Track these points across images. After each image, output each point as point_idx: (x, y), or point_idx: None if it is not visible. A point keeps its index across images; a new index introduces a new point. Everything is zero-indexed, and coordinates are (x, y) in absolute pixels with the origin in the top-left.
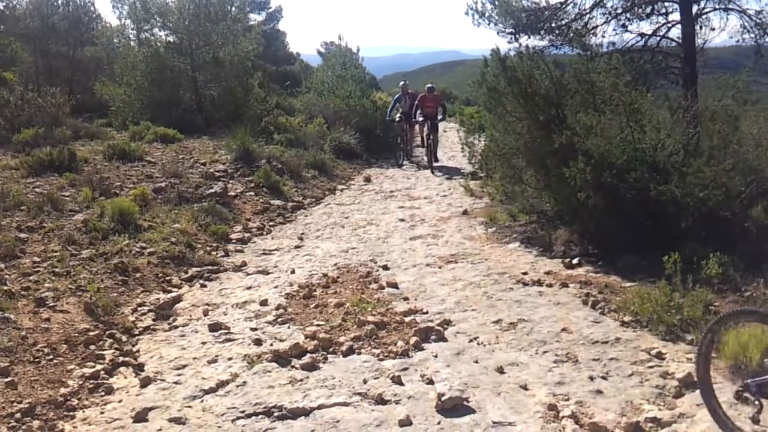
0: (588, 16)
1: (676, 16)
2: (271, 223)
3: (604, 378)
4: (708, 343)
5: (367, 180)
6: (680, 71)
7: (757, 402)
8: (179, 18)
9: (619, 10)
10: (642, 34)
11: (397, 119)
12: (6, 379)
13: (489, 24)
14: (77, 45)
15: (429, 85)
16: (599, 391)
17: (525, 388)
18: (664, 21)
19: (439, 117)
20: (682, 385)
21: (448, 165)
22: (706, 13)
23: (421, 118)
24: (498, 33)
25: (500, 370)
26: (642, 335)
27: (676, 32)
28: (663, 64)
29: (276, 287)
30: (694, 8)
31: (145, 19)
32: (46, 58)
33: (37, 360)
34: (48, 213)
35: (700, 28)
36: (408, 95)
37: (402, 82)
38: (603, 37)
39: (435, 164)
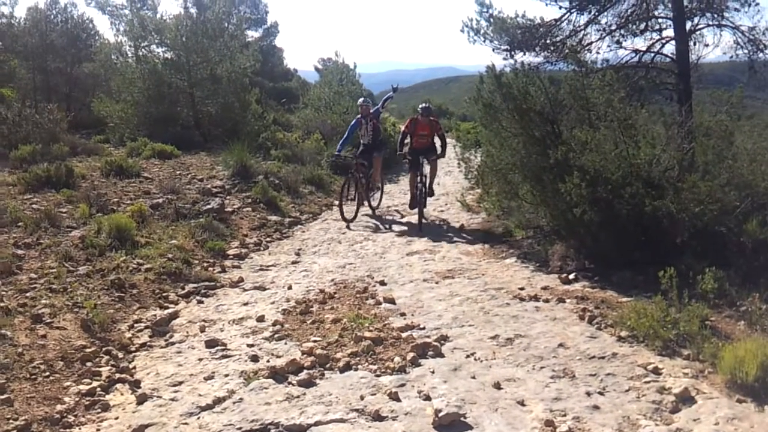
0: (582, 32)
1: (670, 32)
2: (268, 239)
3: (601, 393)
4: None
5: None
6: (674, 87)
7: None
8: (176, 35)
9: (614, 27)
10: (636, 51)
11: (351, 156)
12: (2, 396)
13: (484, 41)
14: (75, 62)
15: (423, 105)
16: (596, 407)
17: (522, 403)
18: (659, 37)
19: (438, 152)
20: (678, 400)
21: (442, 213)
22: (700, 29)
23: (408, 156)
24: (493, 50)
25: (497, 386)
26: (638, 350)
27: (670, 48)
28: (657, 80)
29: (273, 303)
30: (688, 24)
31: (143, 36)
32: (44, 74)
33: (33, 377)
34: (45, 229)
35: (694, 44)
36: (369, 118)
37: (361, 100)
38: (597, 53)
39: (424, 218)
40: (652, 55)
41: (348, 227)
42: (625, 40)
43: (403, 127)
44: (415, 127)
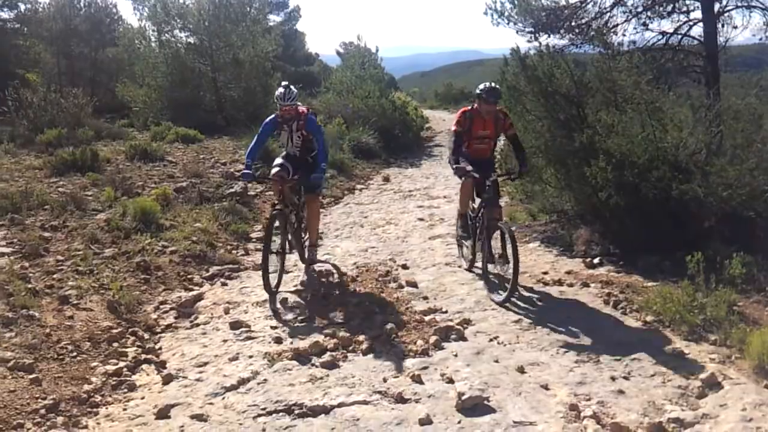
0: (608, 14)
1: (697, 14)
2: None
3: (626, 378)
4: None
5: (386, 179)
6: (702, 69)
7: None
8: (199, 19)
9: (640, 9)
10: (663, 33)
11: (269, 173)
12: (31, 376)
13: (508, 23)
14: (99, 46)
15: (487, 85)
16: (621, 391)
17: (546, 388)
18: (686, 19)
19: (513, 168)
20: (705, 385)
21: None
22: (729, 10)
23: (469, 170)
24: (517, 32)
25: (521, 370)
26: (664, 335)
27: (697, 30)
28: (684, 63)
29: (296, 286)
30: (716, 6)
31: (166, 21)
32: (68, 59)
33: (61, 357)
34: (71, 212)
35: (722, 25)
36: (296, 125)
37: (280, 91)
38: (624, 35)
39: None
40: (680, 37)
41: (274, 311)
42: (652, 22)
43: (453, 124)
44: (471, 122)
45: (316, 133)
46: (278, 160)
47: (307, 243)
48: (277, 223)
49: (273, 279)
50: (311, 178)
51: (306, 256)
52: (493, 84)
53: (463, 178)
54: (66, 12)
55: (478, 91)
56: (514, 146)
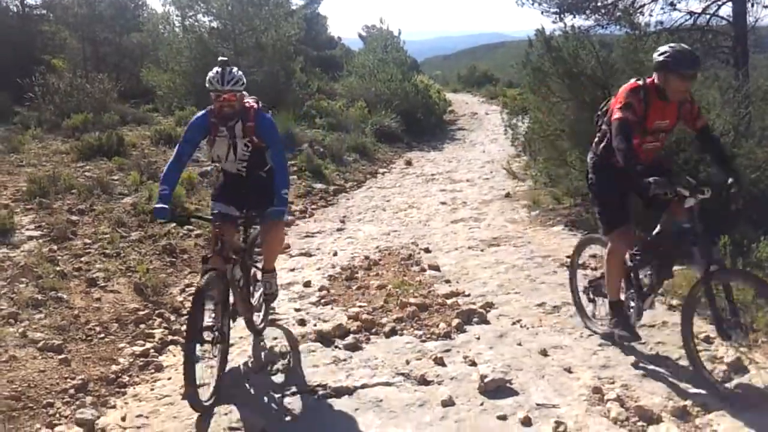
0: None
1: None
2: (313, 206)
3: (650, 362)
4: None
5: (408, 163)
6: (731, 50)
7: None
8: (222, 3)
9: None
10: (691, 13)
11: (194, 211)
12: (60, 356)
13: (533, 4)
14: (123, 32)
15: (676, 49)
16: (645, 375)
17: (569, 371)
18: None
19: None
20: (731, 369)
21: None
22: None
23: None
24: (542, 13)
25: (544, 353)
26: None
27: (726, 10)
28: (713, 43)
29: (319, 269)
30: None
31: (189, 6)
32: (93, 45)
33: (89, 338)
34: (98, 196)
35: (752, 5)
36: (241, 114)
37: (215, 70)
38: (650, 15)
39: None
40: (708, 17)
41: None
42: (680, 2)
43: (619, 108)
44: (647, 108)
45: (273, 140)
46: (217, 198)
47: (258, 302)
48: (212, 294)
49: (206, 391)
50: (271, 212)
51: (257, 319)
52: (682, 47)
53: (666, 193)
54: None
55: (661, 57)
56: (709, 145)
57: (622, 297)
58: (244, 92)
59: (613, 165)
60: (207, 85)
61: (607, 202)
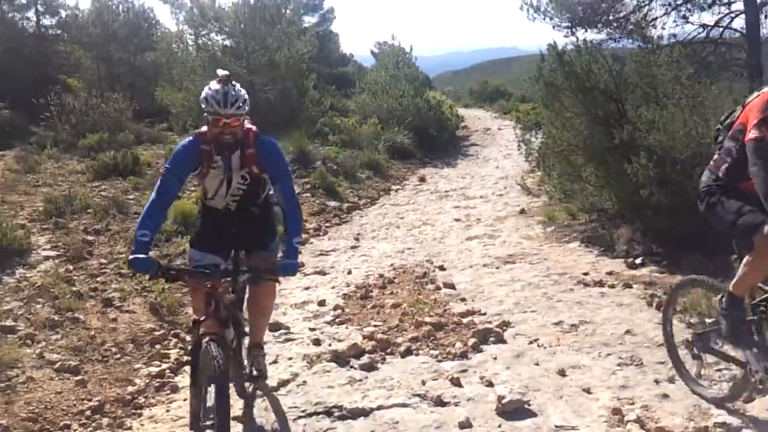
0: (647, 7)
1: (739, 5)
2: (327, 224)
3: (670, 381)
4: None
5: (422, 180)
6: (745, 62)
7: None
8: (235, 22)
9: (680, 1)
10: (704, 25)
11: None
12: (77, 378)
13: (544, 18)
14: (137, 51)
15: None
16: (665, 395)
17: (588, 391)
18: (727, 11)
19: None
20: (752, 389)
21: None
22: None
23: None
24: (554, 27)
25: (562, 373)
26: None
27: (739, 22)
28: (726, 56)
29: (333, 288)
30: None
31: (203, 24)
32: (108, 64)
33: (105, 359)
34: (113, 216)
35: (765, 17)
36: (240, 141)
37: (215, 87)
38: (663, 29)
39: None
40: (721, 29)
41: None
42: (692, 15)
43: (756, 126)
44: None
45: (280, 172)
46: (200, 248)
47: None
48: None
49: None
50: (282, 267)
51: (247, 388)
52: None
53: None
54: (105, 17)
55: None
56: None
57: (746, 300)
58: (244, 105)
59: (742, 191)
60: (203, 104)
61: (739, 211)
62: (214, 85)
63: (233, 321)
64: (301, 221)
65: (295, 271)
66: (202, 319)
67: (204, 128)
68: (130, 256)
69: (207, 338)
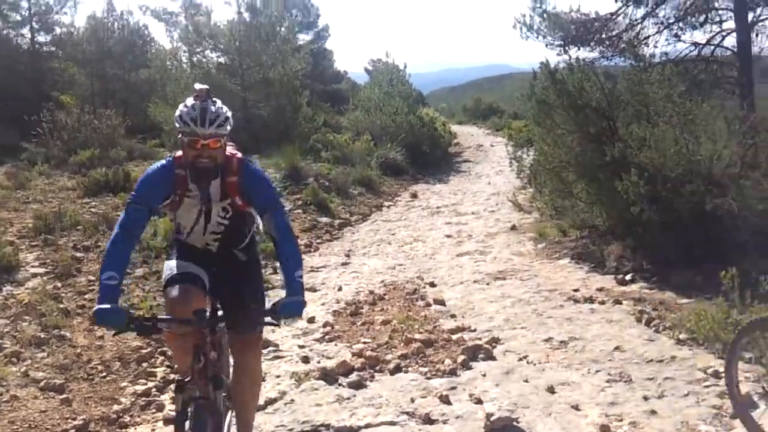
0: (639, 26)
1: (730, 24)
2: (318, 241)
3: (659, 398)
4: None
5: (414, 196)
6: (736, 81)
7: None
8: (230, 39)
9: (672, 20)
10: (696, 44)
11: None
12: (61, 396)
13: (537, 37)
14: (132, 68)
15: None
16: (654, 412)
17: (577, 408)
18: (719, 29)
19: None
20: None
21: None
22: (763, 20)
23: None
24: (547, 45)
25: (551, 390)
26: (698, 353)
27: (731, 41)
28: (718, 74)
29: (323, 304)
30: (750, 15)
31: (197, 42)
32: (101, 81)
33: (91, 377)
34: (103, 232)
35: (757, 35)
36: (222, 166)
37: (191, 104)
38: (655, 47)
39: None
40: (712, 48)
41: None
42: (684, 33)
43: None
44: None
45: (271, 202)
46: (170, 270)
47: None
48: None
49: None
50: (287, 307)
51: None
52: None
53: None
54: (100, 35)
55: None
56: None
57: None
58: (226, 126)
59: None
60: (177, 123)
61: None
62: (190, 101)
63: (215, 381)
64: (300, 255)
65: (300, 312)
66: (187, 379)
67: (179, 153)
68: (95, 306)
69: (194, 404)
